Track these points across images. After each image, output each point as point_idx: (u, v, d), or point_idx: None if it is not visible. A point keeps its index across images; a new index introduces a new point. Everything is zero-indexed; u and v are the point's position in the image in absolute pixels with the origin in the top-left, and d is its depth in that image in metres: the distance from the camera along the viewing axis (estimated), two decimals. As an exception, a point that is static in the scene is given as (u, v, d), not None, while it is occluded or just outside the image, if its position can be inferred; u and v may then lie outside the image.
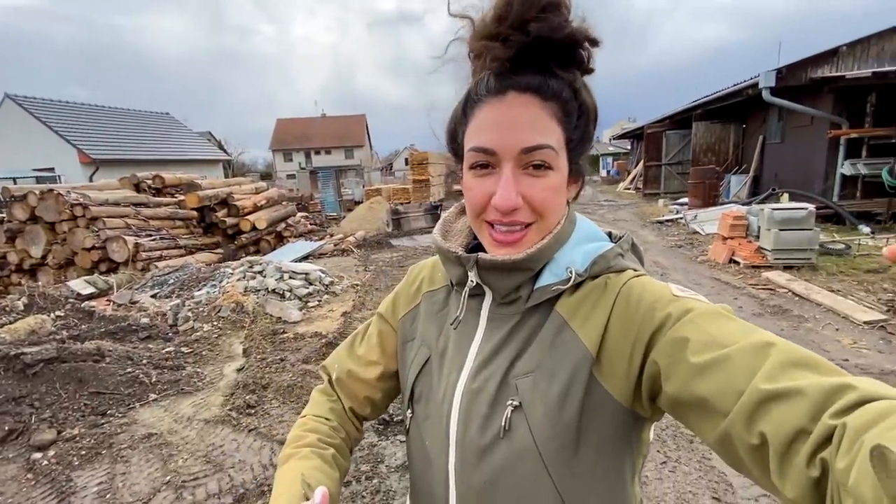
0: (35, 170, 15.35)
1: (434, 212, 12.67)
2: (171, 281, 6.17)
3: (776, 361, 0.40)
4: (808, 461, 0.35)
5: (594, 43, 0.52)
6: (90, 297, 5.62)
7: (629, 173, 22.47)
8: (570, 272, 0.57)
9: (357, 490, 2.38)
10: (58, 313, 4.75)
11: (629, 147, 27.36)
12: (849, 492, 0.30)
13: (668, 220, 10.56)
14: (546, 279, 0.58)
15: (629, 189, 20.16)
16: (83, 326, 4.59)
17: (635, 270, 0.58)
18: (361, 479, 2.45)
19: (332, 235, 10.62)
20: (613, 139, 31.90)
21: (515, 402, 0.55)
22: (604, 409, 0.53)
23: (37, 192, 6.87)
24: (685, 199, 11.84)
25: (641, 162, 18.23)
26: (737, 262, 6.29)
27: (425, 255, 8.46)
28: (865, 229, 7.67)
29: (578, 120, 0.55)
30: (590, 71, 0.56)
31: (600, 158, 38.98)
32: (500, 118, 0.53)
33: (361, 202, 15.63)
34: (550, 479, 0.54)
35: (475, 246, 0.65)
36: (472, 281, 0.60)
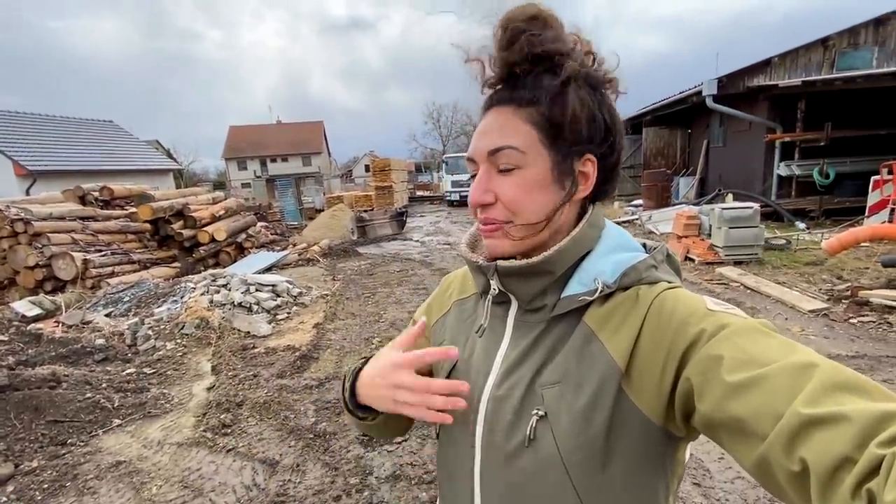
0: (-40, 183, 14.08)
1: (399, 218, 12.63)
2: (127, 298, 5.83)
3: (819, 384, 0.38)
4: (853, 491, 0.33)
5: (559, 52, 0.56)
6: (36, 318, 5.22)
7: (585, 177, 23.24)
8: (598, 283, 0.56)
9: None
10: (1, 338, 4.39)
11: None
12: None
13: (624, 222, 11.03)
14: (573, 288, 0.58)
15: (586, 192, 20.86)
16: (31, 351, 4.27)
17: (669, 283, 0.57)
18: (352, 493, 2.42)
19: (294, 245, 10.37)
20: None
21: (541, 412, 0.55)
22: (633, 425, 0.53)
23: (-32, 208, 6.32)
24: (639, 201, 12.40)
25: (597, 166, 18.92)
26: (692, 260, 6.67)
27: (395, 263, 8.46)
28: (801, 225, 8.33)
29: (555, 122, 0.57)
30: (583, 78, 0.58)
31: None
32: (479, 130, 0.60)
33: (323, 210, 15.35)
34: (575, 491, 0.54)
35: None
36: (494, 289, 0.62)
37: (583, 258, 0.60)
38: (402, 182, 21.72)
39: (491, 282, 0.62)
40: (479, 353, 0.65)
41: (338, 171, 46.60)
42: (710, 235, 6.78)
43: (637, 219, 10.75)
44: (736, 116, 10.20)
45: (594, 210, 0.63)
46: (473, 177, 0.61)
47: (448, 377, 0.68)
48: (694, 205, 9.63)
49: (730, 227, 6.25)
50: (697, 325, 0.49)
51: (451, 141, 51.15)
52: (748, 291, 5.24)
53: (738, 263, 6.19)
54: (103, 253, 7.03)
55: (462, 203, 19.91)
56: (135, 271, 7.24)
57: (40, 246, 6.32)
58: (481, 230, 0.61)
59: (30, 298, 5.56)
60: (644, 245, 0.64)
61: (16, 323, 4.86)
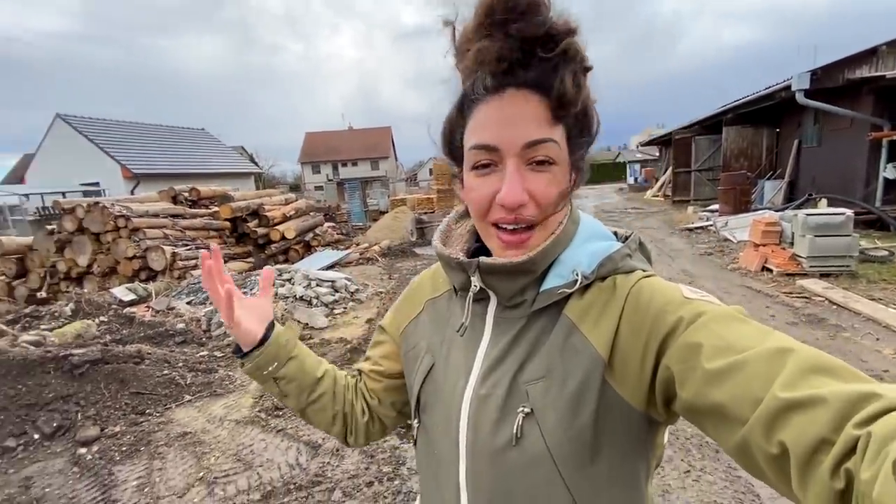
0: (82, 184, 16.30)
1: (458, 221, 12.75)
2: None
3: (795, 368, 0.39)
4: (831, 472, 0.33)
5: (573, 32, 0.51)
6: (131, 303, 5.92)
7: (657, 180, 22.04)
8: (577, 275, 0.56)
9: (379, 490, 2.43)
10: (102, 318, 5.02)
11: (657, 154, 26.85)
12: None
13: (697, 228, 10.31)
14: (551, 282, 0.57)
15: (657, 196, 19.76)
16: (124, 331, 4.84)
17: (644, 271, 0.57)
18: (384, 480, 2.50)
19: (357, 244, 10.83)
20: (641, 146, 31.29)
21: (527, 409, 0.54)
22: (617, 414, 0.53)
23: (84, 205, 7.31)
24: (716, 206, 11.53)
25: (670, 168, 17.87)
26: (770, 270, 6.09)
27: (449, 264, 8.54)
28: (911, 235, 7.30)
29: (577, 115, 0.54)
30: (587, 68, 0.54)
31: (627, 166, 38.35)
32: (501, 114, 0.52)
33: (386, 212, 15.86)
34: (565, 484, 0.53)
35: (476, 250, 0.65)
36: (475, 286, 0.59)
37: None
38: (465, 185, 21.85)
39: (472, 279, 0.59)
40: (458, 352, 0.64)
41: (404, 174, 47.91)
42: (792, 244, 6.16)
43: (711, 225, 10.00)
44: (833, 113, 9.16)
45: (572, 204, 0.61)
46: (482, 165, 0.54)
47: (425, 379, 0.66)
48: (778, 210, 8.78)
49: (815, 236, 5.63)
50: (675, 314, 0.49)
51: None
52: (833, 307, 4.69)
53: (824, 276, 5.56)
54: (189, 247, 7.79)
55: (524, 206, 19.77)
56: (214, 264, 7.95)
57: (138, 240, 7.16)
58: (505, 239, 0.56)
59: (127, 285, 6.31)
60: (615, 233, 0.63)
61: (114, 306, 5.54)
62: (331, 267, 8.26)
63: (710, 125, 15.23)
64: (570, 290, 0.56)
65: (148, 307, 5.81)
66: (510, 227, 0.55)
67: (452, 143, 0.60)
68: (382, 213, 16.60)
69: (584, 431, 0.52)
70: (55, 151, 18.23)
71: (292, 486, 2.49)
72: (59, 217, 7.51)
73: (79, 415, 3.16)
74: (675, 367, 0.47)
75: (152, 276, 7.19)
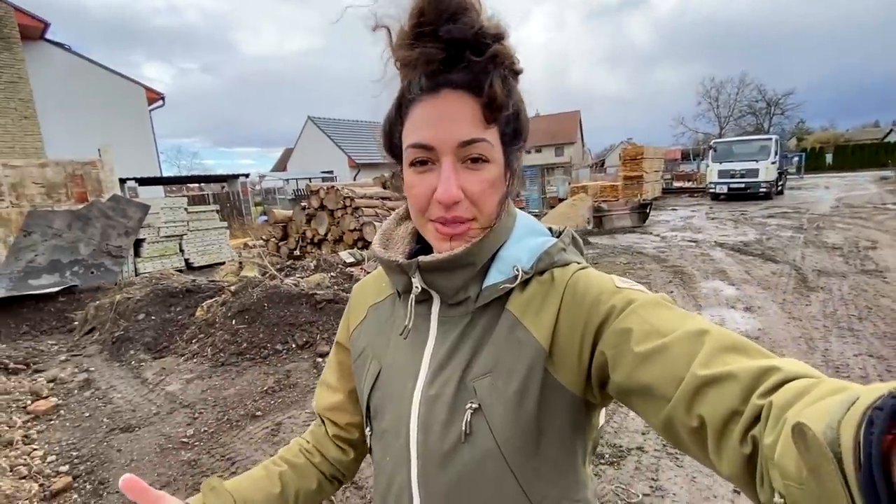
0: (321, 172, 20.74)
1: (642, 210, 12.00)
2: (402, 258, 7.79)
3: (710, 348, 0.43)
4: (740, 440, 0.37)
5: (501, 37, 0.53)
6: (351, 264, 7.60)
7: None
8: (517, 270, 0.58)
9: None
10: (332, 274, 6.66)
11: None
12: (775, 465, 0.32)
13: None
14: (493, 278, 0.59)
15: (940, 187, 14.69)
16: (346, 284, 6.34)
17: (578, 263, 0.60)
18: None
19: (533, 230, 11.22)
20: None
21: (475, 405, 0.55)
22: (559, 402, 0.55)
23: (324, 188, 9.54)
24: None
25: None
26: None
27: (624, 255, 8.32)
28: None
29: (509, 117, 0.56)
30: (516, 71, 0.56)
31: (901, 146, 28.80)
32: (436, 114, 0.54)
33: (565, 199, 15.82)
34: (514, 476, 0.55)
35: (417, 252, 0.64)
36: (416, 287, 0.59)
37: (499, 247, 0.61)
38: (656, 171, 20.08)
39: (413, 280, 0.59)
40: (404, 355, 0.63)
41: (591, 160, 45.97)
42: None
43: None
44: None
45: (510, 200, 0.62)
46: (420, 163, 0.56)
47: (374, 385, 0.66)
48: None
49: None
50: (608, 303, 0.53)
51: (732, 122, 43.26)
52: None
53: None
54: (392, 224, 9.43)
55: (731, 197, 17.04)
56: (410, 239, 9.43)
57: (358, 216, 9.01)
58: (443, 231, 0.57)
59: (349, 251, 8.10)
60: (550, 229, 0.67)
61: (340, 266, 7.24)
62: (505, 248, 8.87)
63: None
64: (511, 286, 0.58)
65: (362, 268, 7.38)
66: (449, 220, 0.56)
67: (392, 141, 0.61)
68: (561, 200, 16.61)
69: (529, 422, 0.54)
70: (306, 145, 23.61)
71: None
72: (308, 197, 9.96)
73: (318, 336, 4.44)
74: (608, 353, 0.50)
75: (366, 245, 8.98)
